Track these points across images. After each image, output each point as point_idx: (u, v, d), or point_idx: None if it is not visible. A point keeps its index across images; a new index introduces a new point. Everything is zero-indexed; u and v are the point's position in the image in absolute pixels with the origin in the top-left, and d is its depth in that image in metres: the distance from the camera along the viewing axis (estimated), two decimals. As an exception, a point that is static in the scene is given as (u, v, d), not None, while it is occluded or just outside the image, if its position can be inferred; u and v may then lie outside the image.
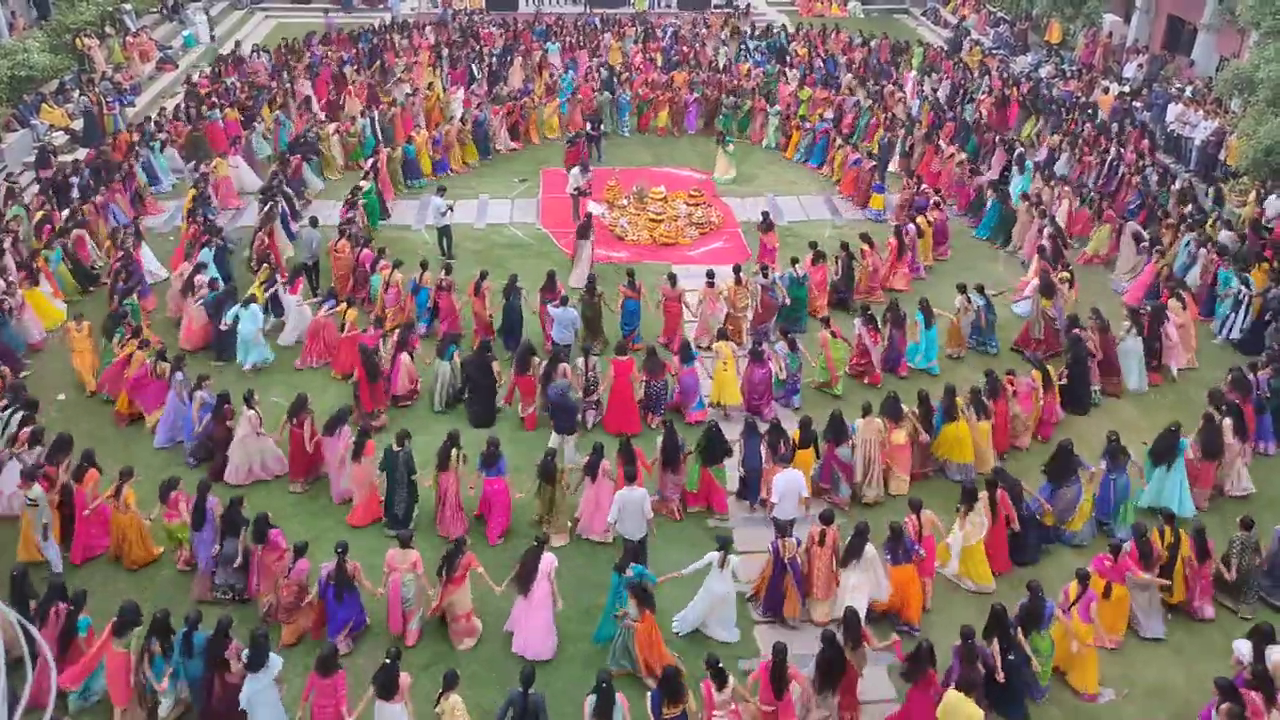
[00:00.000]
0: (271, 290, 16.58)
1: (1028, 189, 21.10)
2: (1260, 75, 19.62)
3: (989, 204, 20.97)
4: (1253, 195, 19.94)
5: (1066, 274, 17.29)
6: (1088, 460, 13.09)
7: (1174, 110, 24.01)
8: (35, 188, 20.46)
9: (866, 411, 13.43)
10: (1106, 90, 26.64)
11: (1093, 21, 31.03)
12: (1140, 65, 28.13)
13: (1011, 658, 10.13)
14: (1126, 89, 26.71)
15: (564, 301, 15.79)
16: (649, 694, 9.56)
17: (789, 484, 12.03)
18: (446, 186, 20.42)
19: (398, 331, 15.31)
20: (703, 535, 12.63)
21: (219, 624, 9.93)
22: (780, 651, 9.63)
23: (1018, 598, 10.77)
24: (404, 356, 14.95)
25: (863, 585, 11.11)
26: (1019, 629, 10.30)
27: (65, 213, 19.00)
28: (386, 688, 9.34)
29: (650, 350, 14.95)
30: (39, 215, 18.81)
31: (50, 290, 17.15)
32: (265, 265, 17.43)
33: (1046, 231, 18.77)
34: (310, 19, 34.51)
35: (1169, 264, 18.31)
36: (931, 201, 20.19)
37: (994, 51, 32.13)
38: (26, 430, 12.79)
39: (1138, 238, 18.95)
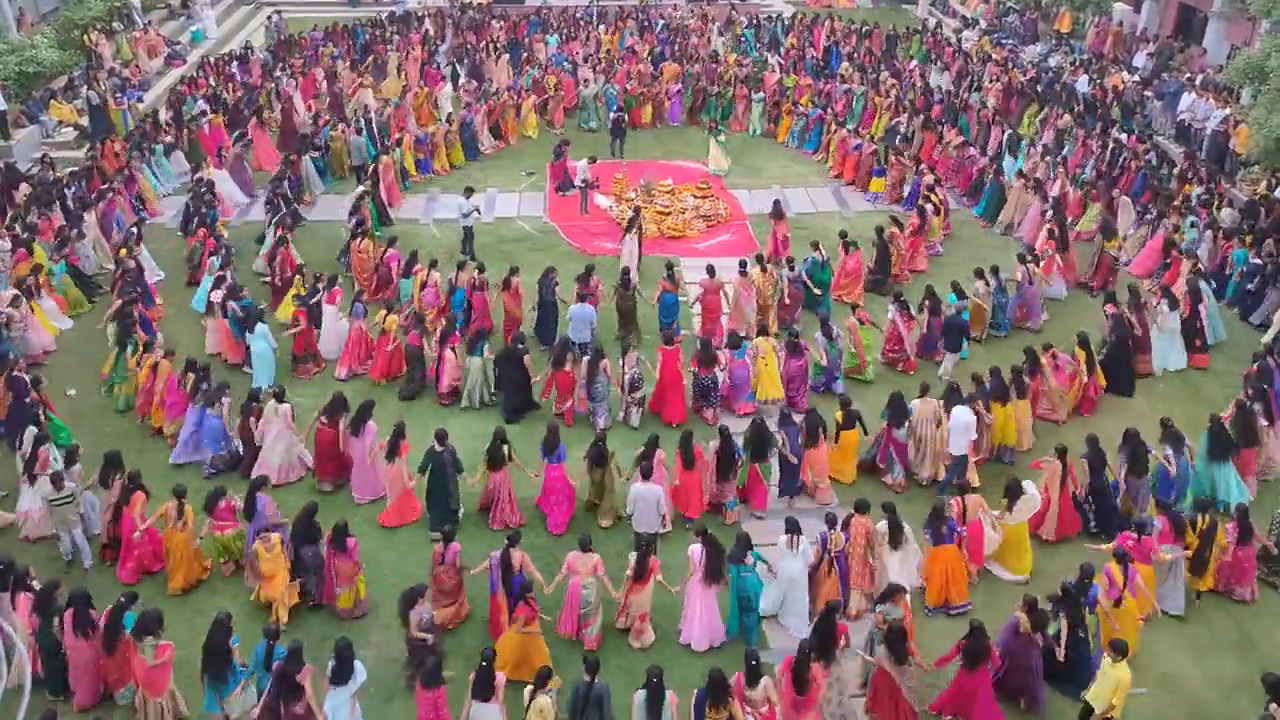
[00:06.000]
0: (315, 299, 15.94)
1: (1022, 169, 21.16)
2: (1271, 64, 19.52)
3: (988, 183, 21.17)
4: (1263, 185, 19.86)
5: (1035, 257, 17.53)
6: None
7: (1186, 100, 23.90)
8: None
9: (924, 392, 13.55)
10: (1100, 73, 26.59)
11: (1103, 10, 30.84)
12: (1150, 54, 27.97)
13: (1082, 634, 10.17)
14: (1137, 77, 26.56)
15: (581, 299, 15.66)
16: (695, 693, 9.47)
17: None
18: (474, 188, 20.02)
19: (439, 330, 15.29)
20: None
21: (292, 648, 9.50)
22: (805, 647, 9.57)
23: (1051, 587, 10.86)
24: (449, 353, 14.95)
25: (903, 572, 11.23)
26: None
27: (75, 220, 18.57)
28: (484, 689, 9.20)
29: (704, 342, 14.85)
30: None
31: (55, 307, 16.80)
32: (299, 276, 16.80)
33: (1049, 214, 18.79)
34: (316, 14, 34.47)
35: (1174, 238, 18.31)
36: (925, 182, 20.25)
37: (1003, 41, 31.98)
38: (44, 448, 12.44)
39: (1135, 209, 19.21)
